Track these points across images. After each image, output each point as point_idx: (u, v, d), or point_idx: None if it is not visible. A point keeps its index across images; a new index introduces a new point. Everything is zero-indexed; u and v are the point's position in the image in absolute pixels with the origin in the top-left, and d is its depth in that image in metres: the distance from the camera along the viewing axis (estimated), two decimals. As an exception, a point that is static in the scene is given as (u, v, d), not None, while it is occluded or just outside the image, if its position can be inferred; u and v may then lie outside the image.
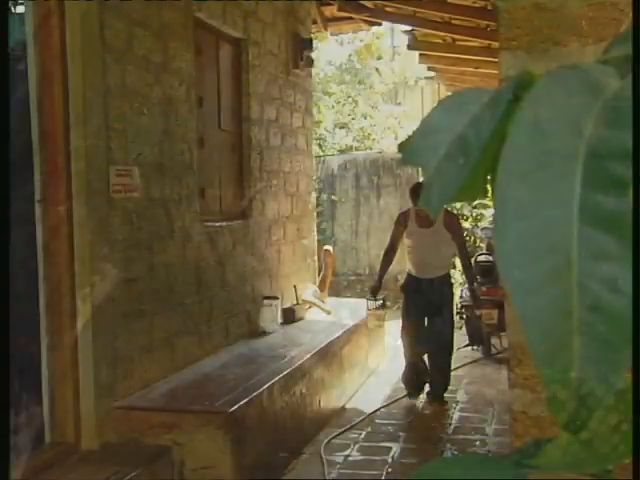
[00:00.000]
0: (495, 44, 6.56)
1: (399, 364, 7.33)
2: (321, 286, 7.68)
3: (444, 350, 6.16)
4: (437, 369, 6.16)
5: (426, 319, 6.17)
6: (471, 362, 7.56)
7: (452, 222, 6.18)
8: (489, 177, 0.57)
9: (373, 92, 18.88)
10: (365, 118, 16.03)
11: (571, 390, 0.42)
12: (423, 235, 6.08)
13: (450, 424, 5.60)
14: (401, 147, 0.60)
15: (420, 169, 0.58)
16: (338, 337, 6.02)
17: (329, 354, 5.78)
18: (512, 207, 0.44)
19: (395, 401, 6.05)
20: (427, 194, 0.55)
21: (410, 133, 0.60)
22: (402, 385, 6.62)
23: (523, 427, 1.96)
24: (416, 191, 6.05)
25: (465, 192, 0.57)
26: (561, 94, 0.49)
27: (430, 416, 5.80)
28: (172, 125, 4.89)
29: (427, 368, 6.25)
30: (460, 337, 8.70)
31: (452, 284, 6.44)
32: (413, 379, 6.21)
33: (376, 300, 6.34)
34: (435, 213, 0.56)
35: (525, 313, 0.42)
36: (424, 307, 6.13)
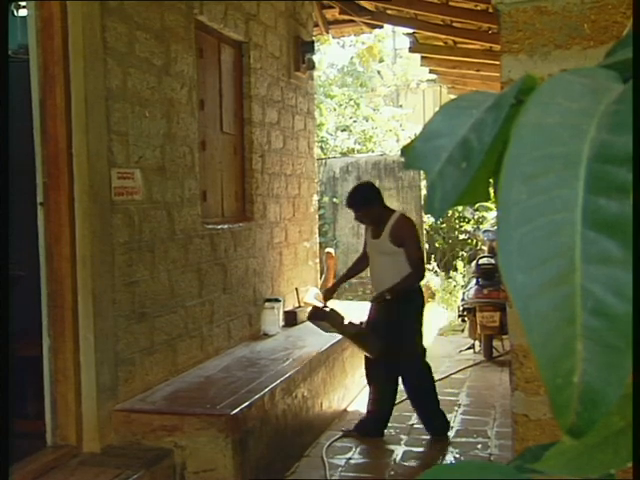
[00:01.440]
0: (497, 47, 6.56)
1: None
2: (323, 289, 7.68)
3: (418, 388, 5.34)
4: (421, 413, 5.41)
5: (386, 350, 5.17)
6: (473, 365, 7.56)
7: (399, 229, 5.14)
8: (491, 180, 0.58)
9: (375, 95, 18.91)
10: (367, 121, 16.04)
11: (574, 394, 0.42)
12: (373, 247, 5.33)
13: (452, 427, 5.59)
14: (404, 151, 0.60)
15: (422, 172, 0.58)
16: (340, 340, 6.02)
17: (331, 357, 5.78)
18: (515, 211, 0.44)
19: (397, 404, 6.04)
20: (430, 198, 0.55)
21: (412, 136, 0.60)
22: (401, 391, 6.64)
23: (525, 430, 1.96)
24: (349, 198, 5.35)
25: (468, 196, 0.57)
26: (564, 98, 0.49)
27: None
28: (174, 128, 4.89)
29: (390, 413, 5.46)
30: (461, 340, 8.72)
31: (416, 303, 5.29)
32: (375, 427, 5.39)
33: (324, 307, 5.37)
34: (438, 218, 0.56)
35: (528, 317, 0.42)
36: (382, 333, 5.18)
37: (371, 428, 5.35)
